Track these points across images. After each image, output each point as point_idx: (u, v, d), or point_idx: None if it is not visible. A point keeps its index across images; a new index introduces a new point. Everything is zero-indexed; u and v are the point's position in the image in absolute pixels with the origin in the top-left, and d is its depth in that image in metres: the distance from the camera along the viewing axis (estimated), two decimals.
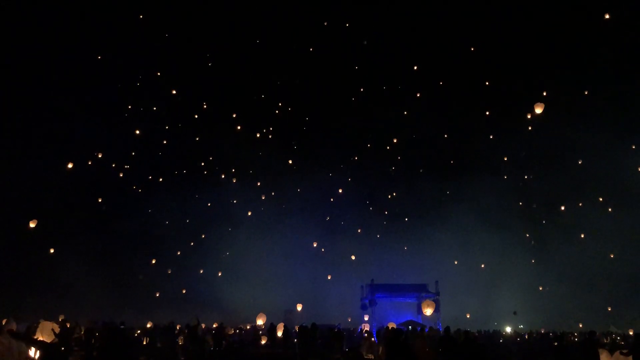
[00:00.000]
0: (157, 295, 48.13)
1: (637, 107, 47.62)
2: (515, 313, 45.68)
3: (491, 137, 48.98)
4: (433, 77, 49.44)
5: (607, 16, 33.61)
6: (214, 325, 31.25)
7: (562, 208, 49.01)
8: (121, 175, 47.00)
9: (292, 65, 50.91)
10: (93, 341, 19.73)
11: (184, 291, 49.53)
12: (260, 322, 32.45)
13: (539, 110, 29.34)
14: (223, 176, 50.31)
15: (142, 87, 46.64)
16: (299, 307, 34.40)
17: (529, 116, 39.67)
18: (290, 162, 50.64)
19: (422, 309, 31.01)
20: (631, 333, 39.22)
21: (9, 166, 43.48)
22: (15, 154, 45.46)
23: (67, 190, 43.97)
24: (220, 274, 48.29)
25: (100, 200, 46.18)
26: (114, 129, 45.94)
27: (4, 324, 10.92)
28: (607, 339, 35.46)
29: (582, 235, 48.31)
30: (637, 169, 41.90)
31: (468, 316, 44.75)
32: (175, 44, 48.18)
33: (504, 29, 50.57)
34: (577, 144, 49.01)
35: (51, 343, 15.38)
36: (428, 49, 51.82)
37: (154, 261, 47.45)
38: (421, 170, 55.16)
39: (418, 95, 46.69)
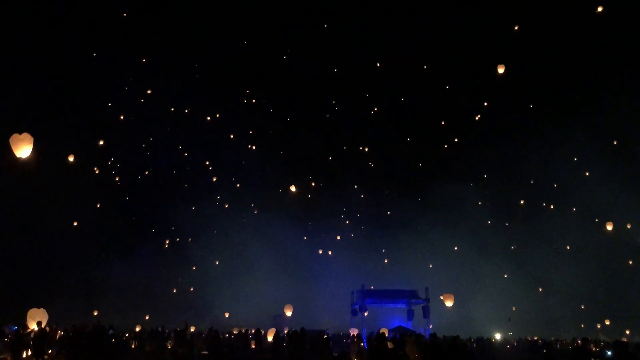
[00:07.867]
0: (175, 291, 49.39)
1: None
2: (509, 320, 45.85)
3: (445, 146, 50.35)
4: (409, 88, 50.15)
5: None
6: (202, 335, 31.01)
7: (522, 202, 50.75)
8: (117, 179, 47.13)
9: (273, 74, 50.59)
10: (79, 344, 19.57)
11: (191, 289, 49.92)
12: (288, 313, 32.40)
13: (500, 70, 30.39)
14: (210, 181, 50.02)
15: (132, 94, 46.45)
16: (288, 312, 32.32)
17: (477, 117, 44.75)
18: (274, 169, 50.81)
19: (444, 301, 30.35)
20: (625, 340, 39.47)
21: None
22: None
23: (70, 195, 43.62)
24: (207, 280, 48.30)
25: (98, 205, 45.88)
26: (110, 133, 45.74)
27: None
28: (596, 349, 35.57)
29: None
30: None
31: (441, 297, 44.68)
32: (162, 48, 48.00)
33: (463, 42, 50.57)
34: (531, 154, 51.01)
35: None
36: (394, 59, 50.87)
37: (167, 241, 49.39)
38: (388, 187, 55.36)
39: (375, 109, 48.61)
